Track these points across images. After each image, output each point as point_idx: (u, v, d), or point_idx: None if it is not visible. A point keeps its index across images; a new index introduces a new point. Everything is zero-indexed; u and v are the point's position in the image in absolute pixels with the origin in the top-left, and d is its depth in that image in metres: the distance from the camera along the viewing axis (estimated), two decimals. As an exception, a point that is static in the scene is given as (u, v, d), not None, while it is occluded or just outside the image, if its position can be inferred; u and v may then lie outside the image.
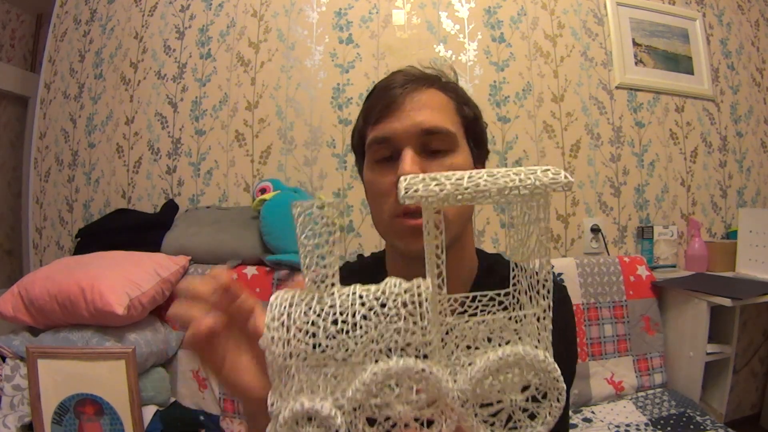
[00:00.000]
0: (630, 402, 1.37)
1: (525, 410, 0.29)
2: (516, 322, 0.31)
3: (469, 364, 0.29)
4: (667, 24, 1.88)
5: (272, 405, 0.29)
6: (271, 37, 1.74)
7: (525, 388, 0.29)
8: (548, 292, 0.29)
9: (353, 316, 0.28)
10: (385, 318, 0.28)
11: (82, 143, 1.84)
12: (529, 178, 0.26)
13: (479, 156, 0.60)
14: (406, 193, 0.26)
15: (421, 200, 0.26)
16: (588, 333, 1.45)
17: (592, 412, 1.33)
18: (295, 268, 1.37)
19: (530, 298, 0.30)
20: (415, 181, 0.27)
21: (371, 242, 1.63)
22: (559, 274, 1.48)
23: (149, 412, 1.22)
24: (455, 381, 0.29)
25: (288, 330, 0.28)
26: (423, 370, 0.27)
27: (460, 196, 0.25)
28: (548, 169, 0.27)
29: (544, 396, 0.29)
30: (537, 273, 0.29)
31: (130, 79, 1.81)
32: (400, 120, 0.54)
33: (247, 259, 1.46)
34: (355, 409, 0.28)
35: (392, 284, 0.30)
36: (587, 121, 1.77)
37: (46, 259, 1.83)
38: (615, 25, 1.80)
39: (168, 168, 1.76)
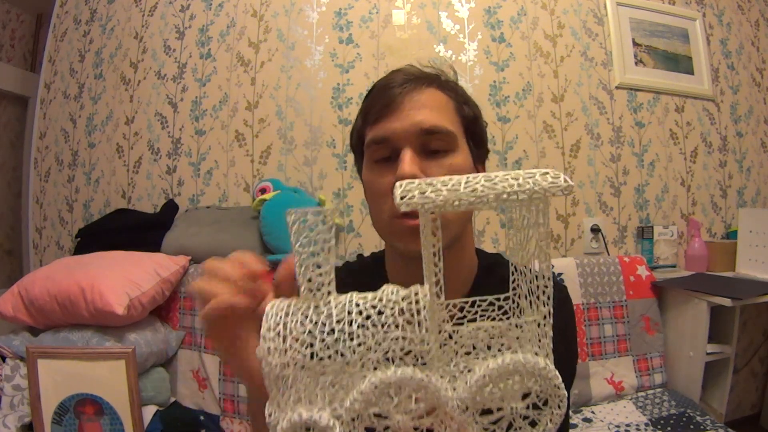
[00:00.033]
0: (630, 402, 1.37)
1: (525, 418, 0.29)
2: (516, 327, 0.30)
3: (469, 371, 0.29)
4: (667, 24, 1.88)
5: (270, 415, 0.28)
6: (271, 37, 1.74)
7: (526, 396, 0.29)
8: (548, 298, 0.28)
9: (350, 325, 0.28)
10: (382, 327, 0.28)
11: (82, 143, 1.84)
12: (528, 183, 0.25)
13: (479, 155, 0.60)
14: (402, 200, 0.25)
15: (418, 207, 0.25)
16: (588, 333, 1.45)
17: (592, 412, 1.33)
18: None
19: (530, 303, 0.29)
20: (411, 188, 0.26)
21: (371, 242, 1.63)
22: (559, 274, 1.48)
23: (149, 412, 1.22)
24: (455, 389, 0.28)
25: (284, 340, 0.28)
26: (422, 379, 0.27)
27: (457, 203, 0.25)
28: (547, 173, 0.26)
29: (545, 403, 0.29)
30: (537, 278, 0.28)
31: (130, 79, 1.81)
32: (399, 120, 0.53)
33: (247, 259, 1.46)
34: (353, 419, 0.27)
35: (389, 292, 0.29)
36: (587, 121, 1.77)
37: (46, 259, 1.83)
38: (615, 25, 1.80)
39: (168, 168, 1.76)
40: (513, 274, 0.31)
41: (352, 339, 0.27)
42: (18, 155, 2.24)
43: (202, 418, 1.35)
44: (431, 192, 0.25)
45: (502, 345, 0.30)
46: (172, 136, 1.76)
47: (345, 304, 0.29)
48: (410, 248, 0.51)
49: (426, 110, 0.53)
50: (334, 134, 1.68)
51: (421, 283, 0.29)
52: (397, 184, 0.27)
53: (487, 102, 1.71)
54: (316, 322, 0.28)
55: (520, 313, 0.31)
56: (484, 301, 0.32)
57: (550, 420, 0.29)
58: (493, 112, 1.71)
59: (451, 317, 0.31)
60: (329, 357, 0.27)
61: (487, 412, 0.29)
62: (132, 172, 1.78)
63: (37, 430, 1.14)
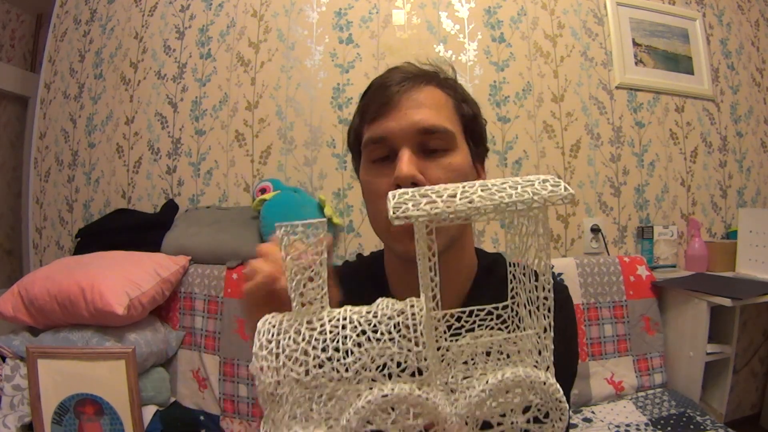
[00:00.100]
0: (630, 402, 1.37)
1: (526, 431, 0.28)
2: (514, 343, 0.30)
3: (467, 380, 0.28)
4: (667, 24, 1.87)
5: None
6: (271, 37, 1.74)
7: (526, 409, 0.28)
8: (549, 310, 0.28)
9: (344, 341, 0.27)
10: (378, 343, 0.27)
11: (82, 143, 1.84)
12: (526, 192, 0.24)
13: (478, 154, 0.59)
14: (396, 213, 0.24)
15: (412, 221, 0.24)
16: (588, 333, 1.45)
17: (592, 412, 1.33)
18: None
19: (530, 312, 0.29)
20: (405, 199, 0.25)
21: (371, 242, 1.63)
22: (559, 274, 1.48)
23: (149, 412, 1.22)
24: (454, 403, 0.28)
25: (277, 357, 0.27)
26: (419, 396, 0.26)
27: (453, 215, 0.24)
28: (547, 180, 0.25)
29: (546, 415, 0.28)
30: (536, 289, 0.28)
31: (130, 79, 1.81)
32: (396, 119, 0.52)
33: (247, 259, 1.45)
34: None
35: (384, 306, 0.29)
36: (587, 121, 1.77)
37: (46, 259, 1.83)
38: (615, 25, 1.80)
39: (168, 168, 1.76)
40: (511, 282, 0.31)
41: (347, 356, 0.27)
42: (18, 155, 2.24)
43: (202, 418, 1.35)
44: (426, 204, 0.24)
45: (501, 354, 0.29)
46: (172, 136, 1.76)
47: (339, 320, 0.28)
48: (408, 250, 0.50)
49: (424, 109, 0.53)
50: (334, 134, 1.68)
51: (419, 286, 0.29)
52: (390, 195, 0.26)
53: (487, 102, 1.71)
54: (309, 339, 0.27)
55: (519, 321, 0.30)
56: (482, 310, 0.31)
57: None
58: (493, 112, 1.71)
59: (449, 327, 0.30)
60: (324, 374, 0.27)
61: (487, 425, 0.28)
62: (132, 172, 1.78)
63: (37, 430, 1.14)
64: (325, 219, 0.29)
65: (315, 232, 0.29)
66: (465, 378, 0.29)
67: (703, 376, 1.37)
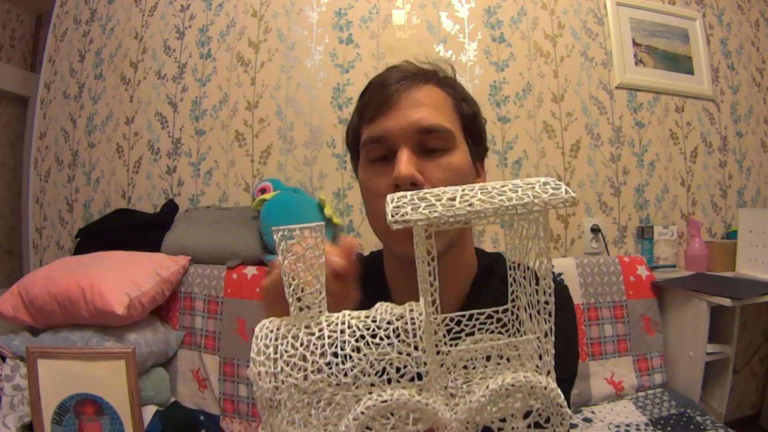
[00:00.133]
0: (630, 402, 1.37)
1: None
2: (514, 348, 0.29)
3: (467, 384, 0.28)
4: (667, 24, 1.87)
5: None
6: (271, 37, 1.74)
7: (527, 414, 0.28)
8: (550, 315, 0.27)
9: (343, 347, 0.27)
10: (377, 348, 0.27)
11: (82, 143, 1.84)
12: (527, 195, 0.24)
13: (478, 153, 0.59)
14: (394, 217, 0.24)
15: (411, 225, 0.24)
16: (588, 333, 1.45)
17: (592, 412, 1.33)
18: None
19: (530, 316, 0.28)
20: (404, 203, 0.25)
21: (371, 242, 1.63)
22: (559, 274, 1.48)
23: (149, 412, 1.22)
24: (455, 407, 0.27)
25: (275, 363, 0.27)
26: (419, 401, 0.26)
27: (452, 219, 0.23)
28: (548, 182, 0.25)
29: (547, 420, 0.28)
30: (537, 293, 0.27)
31: (130, 79, 1.81)
32: (395, 118, 0.52)
33: (247, 259, 1.46)
34: None
35: (383, 311, 0.28)
36: (587, 121, 1.77)
37: (46, 259, 1.83)
38: (615, 25, 1.80)
39: (168, 168, 1.76)
40: (511, 286, 0.30)
41: (345, 361, 0.26)
42: (18, 155, 2.24)
43: (202, 418, 1.35)
44: (425, 208, 0.24)
45: (501, 358, 0.29)
46: (172, 136, 1.76)
47: (338, 325, 0.28)
48: (407, 252, 0.50)
49: (423, 108, 0.52)
50: (334, 134, 1.68)
51: (418, 287, 0.29)
52: (388, 198, 0.26)
53: (487, 102, 1.71)
54: (307, 344, 0.27)
55: (520, 324, 0.30)
56: (482, 314, 0.31)
57: None
58: (493, 112, 1.71)
59: (448, 331, 0.30)
60: (322, 380, 0.27)
61: (487, 430, 0.28)
62: (132, 172, 1.78)
63: (37, 430, 1.14)
64: (323, 223, 0.29)
65: (313, 236, 0.28)
66: (465, 382, 0.29)
67: (703, 376, 1.37)
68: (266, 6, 1.75)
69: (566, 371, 0.54)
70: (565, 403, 0.28)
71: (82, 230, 1.67)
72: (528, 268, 0.28)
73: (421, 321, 0.27)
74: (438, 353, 0.28)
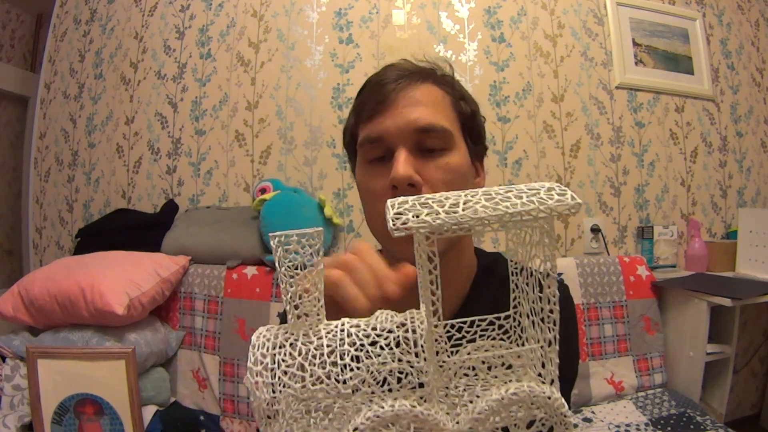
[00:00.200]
0: (630, 402, 1.37)
1: None
2: (518, 345, 0.29)
3: (467, 392, 0.27)
4: (667, 24, 1.87)
5: None
6: (271, 37, 1.74)
7: (530, 423, 0.28)
8: (554, 323, 0.27)
9: (342, 356, 0.26)
10: (377, 358, 0.26)
11: (82, 143, 1.84)
12: (532, 201, 0.23)
13: (477, 153, 0.58)
14: (395, 224, 0.23)
15: (413, 233, 0.23)
16: (588, 333, 1.45)
17: (592, 412, 1.33)
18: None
19: (533, 323, 0.28)
20: (405, 209, 0.24)
21: (371, 242, 1.63)
22: (559, 274, 1.48)
23: (149, 412, 1.23)
24: (456, 417, 0.27)
25: (273, 373, 0.26)
26: (420, 412, 0.25)
27: (455, 226, 0.23)
28: (552, 188, 0.24)
29: (551, 430, 0.27)
30: (541, 300, 0.26)
31: (130, 79, 1.81)
32: (392, 118, 0.51)
33: (247, 259, 1.46)
34: None
35: (383, 319, 0.28)
36: (587, 121, 1.77)
37: (46, 259, 1.83)
38: (615, 25, 1.80)
39: (168, 168, 1.76)
40: (514, 291, 0.30)
41: (345, 371, 0.26)
42: (18, 155, 2.24)
43: (202, 418, 1.35)
44: (427, 215, 0.23)
45: (503, 365, 0.29)
46: (172, 136, 1.76)
47: (337, 334, 0.27)
48: (406, 254, 0.49)
49: (421, 107, 0.51)
50: (334, 134, 1.68)
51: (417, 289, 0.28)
52: (389, 204, 0.25)
53: (487, 102, 1.71)
54: (306, 354, 0.27)
55: (522, 331, 0.29)
56: (484, 320, 0.31)
57: None
58: (493, 112, 1.71)
59: (449, 337, 0.29)
60: (321, 390, 0.26)
61: None
62: (132, 172, 1.78)
63: (37, 430, 1.14)
64: (321, 228, 0.28)
65: (311, 242, 0.28)
66: (466, 390, 0.28)
67: (703, 376, 1.37)
68: (266, 6, 1.75)
69: (566, 372, 0.54)
70: (569, 413, 0.27)
71: (82, 230, 1.67)
72: (531, 274, 0.27)
73: (422, 330, 0.27)
74: (440, 364, 0.28)
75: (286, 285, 0.28)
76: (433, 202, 0.24)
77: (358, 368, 0.26)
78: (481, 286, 0.59)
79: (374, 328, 0.27)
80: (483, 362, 0.29)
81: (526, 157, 1.72)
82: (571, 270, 1.49)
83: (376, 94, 0.53)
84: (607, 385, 1.41)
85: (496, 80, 1.73)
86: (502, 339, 0.30)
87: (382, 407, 0.25)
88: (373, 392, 0.26)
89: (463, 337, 0.30)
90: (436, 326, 0.27)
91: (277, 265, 0.27)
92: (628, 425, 1.23)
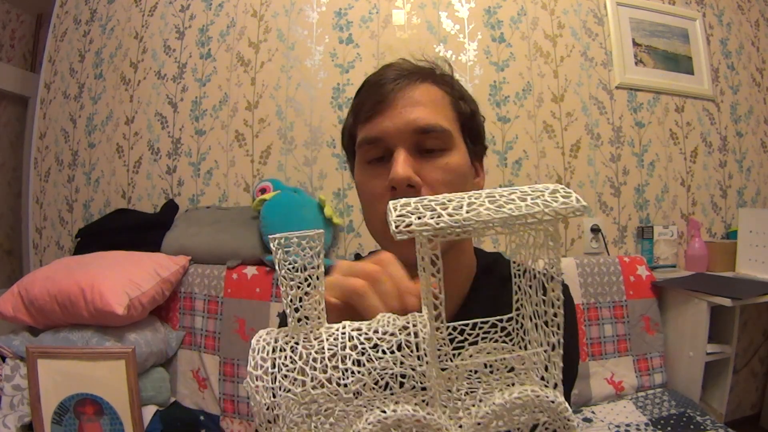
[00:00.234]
0: (630, 402, 1.37)
1: None
2: (520, 348, 0.29)
3: (473, 405, 0.27)
4: (667, 24, 1.87)
5: None
6: (271, 37, 1.74)
7: (533, 427, 0.27)
8: (558, 327, 0.26)
9: (344, 360, 0.26)
10: (379, 362, 0.26)
11: (82, 143, 1.84)
12: (537, 204, 0.22)
13: (476, 153, 0.58)
14: (398, 227, 0.23)
15: (416, 236, 0.23)
16: (588, 333, 1.45)
17: (592, 412, 1.33)
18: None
19: (536, 326, 0.27)
20: (407, 211, 0.23)
21: (371, 242, 1.63)
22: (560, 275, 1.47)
23: (149, 412, 1.23)
24: (458, 421, 0.27)
25: (274, 378, 0.26)
26: (423, 417, 0.25)
27: (459, 229, 0.22)
28: (557, 191, 0.24)
29: None
30: (545, 303, 0.26)
31: (130, 79, 1.81)
32: (391, 118, 0.51)
33: (247, 259, 1.46)
34: None
35: (385, 322, 0.27)
36: (587, 121, 1.77)
37: (46, 259, 1.83)
38: (615, 25, 1.80)
39: (168, 168, 1.76)
40: (516, 293, 0.29)
41: (346, 377, 0.25)
42: (18, 155, 2.24)
43: (202, 418, 1.35)
44: (430, 217, 0.22)
45: (505, 368, 0.28)
46: (172, 136, 1.76)
47: (338, 338, 0.27)
48: (406, 256, 0.48)
49: (420, 107, 0.51)
50: (334, 134, 1.68)
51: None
52: (391, 206, 0.24)
53: (487, 102, 1.71)
54: (307, 359, 0.26)
55: (524, 334, 0.29)
56: (486, 323, 0.30)
57: None
58: (493, 112, 1.71)
59: (451, 340, 0.29)
60: (322, 395, 0.26)
61: None
62: (132, 172, 1.78)
63: (37, 430, 1.14)
64: (322, 231, 0.28)
65: (311, 245, 0.27)
66: (468, 393, 0.28)
67: (703, 376, 1.37)
68: (266, 6, 1.75)
69: (567, 372, 0.53)
70: (572, 417, 0.27)
71: (82, 230, 1.67)
72: (534, 276, 0.27)
73: (425, 334, 0.26)
74: (443, 368, 0.28)
75: (287, 288, 0.27)
76: (436, 204, 0.23)
77: (360, 372, 0.25)
78: (481, 286, 0.59)
79: (376, 332, 0.27)
80: (485, 365, 0.29)
81: (526, 157, 1.72)
82: (571, 270, 1.49)
83: (374, 94, 0.52)
84: (607, 385, 1.41)
85: (496, 80, 1.73)
86: (504, 342, 0.30)
87: (385, 412, 0.25)
88: (375, 396, 0.25)
89: (465, 339, 0.30)
90: (438, 330, 0.26)
91: (277, 267, 0.27)
92: (628, 425, 1.23)
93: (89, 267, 1.28)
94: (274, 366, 0.26)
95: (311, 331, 0.28)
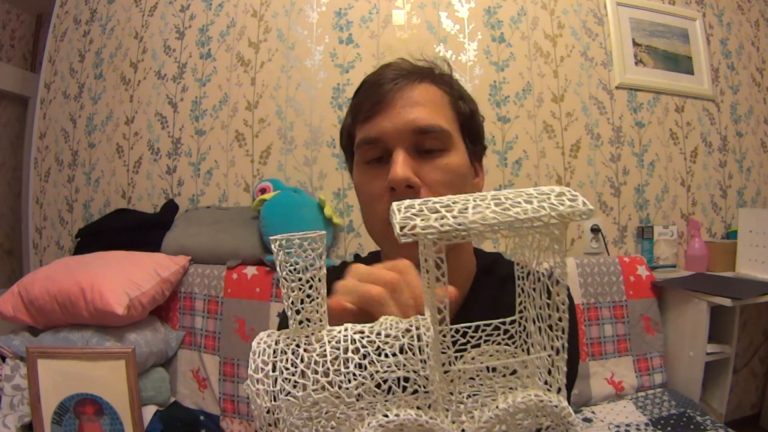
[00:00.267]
0: (630, 402, 1.37)
1: None
2: (523, 351, 0.29)
3: (475, 408, 0.27)
4: (667, 24, 1.87)
5: None
6: (271, 37, 1.74)
7: (536, 431, 0.27)
8: (562, 332, 0.26)
9: (346, 365, 0.25)
10: (381, 366, 0.25)
11: (82, 143, 1.84)
12: (543, 207, 0.22)
13: (476, 153, 0.57)
14: (402, 230, 0.22)
15: (421, 239, 0.22)
16: (588, 333, 1.45)
17: (592, 412, 1.33)
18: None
19: (540, 329, 0.27)
20: (412, 213, 0.23)
21: (371, 242, 1.63)
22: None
23: (149, 412, 1.22)
24: (461, 424, 0.26)
25: (274, 381, 0.25)
26: (426, 421, 0.25)
27: (464, 232, 0.22)
28: (563, 193, 0.23)
29: None
30: (549, 307, 0.26)
31: (130, 79, 1.81)
32: (390, 118, 0.50)
33: (247, 259, 1.46)
34: None
35: (387, 325, 0.27)
36: (587, 121, 1.77)
37: (46, 259, 1.83)
38: (615, 25, 1.80)
39: (168, 168, 1.76)
40: (520, 296, 0.29)
41: (349, 380, 0.25)
42: (18, 155, 2.24)
43: (202, 418, 1.35)
44: (435, 220, 0.22)
45: (508, 369, 0.28)
46: (172, 136, 1.76)
47: (340, 341, 0.26)
48: (406, 258, 0.48)
49: (419, 108, 0.50)
50: (334, 134, 1.68)
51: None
52: (395, 208, 0.24)
53: (487, 102, 1.71)
54: (308, 362, 0.26)
55: (527, 336, 0.29)
56: (489, 325, 0.30)
57: None
58: (493, 112, 1.71)
59: (453, 343, 0.29)
60: (324, 398, 0.25)
61: None
62: (132, 172, 1.78)
63: (37, 430, 1.14)
64: (324, 232, 0.27)
65: (313, 246, 0.27)
66: (470, 396, 0.28)
67: (703, 376, 1.37)
68: (266, 6, 1.75)
69: (567, 372, 0.54)
70: (576, 422, 0.27)
71: (82, 230, 1.67)
72: (539, 279, 0.27)
73: (428, 337, 0.26)
74: (446, 372, 0.27)
75: (288, 290, 0.27)
76: (441, 207, 0.23)
77: (362, 375, 0.25)
78: (481, 287, 0.58)
79: (379, 334, 0.26)
80: (487, 368, 0.28)
81: (526, 157, 1.72)
82: (571, 270, 1.49)
83: (373, 94, 0.52)
84: (607, 385, 1.41)
85: (496, 80, 1.73)
86: (506, 344, 0.30)
87: (387, 416, 0.25)
88: (377, 400, 0.25)
89: (468, 342, 0.30)
90: (443, 334, 0.26)
91: (278, 269, 0.27)
92: (628, 425, 1.23)
93: (89, 267, 1.28)
94: (275, 369, 0.26)
95: (313, 334, 0.27)
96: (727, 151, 1.92)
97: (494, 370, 0.28)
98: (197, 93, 1.76)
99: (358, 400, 0.25)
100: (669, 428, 1.21)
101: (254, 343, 0.27)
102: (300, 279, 0.27)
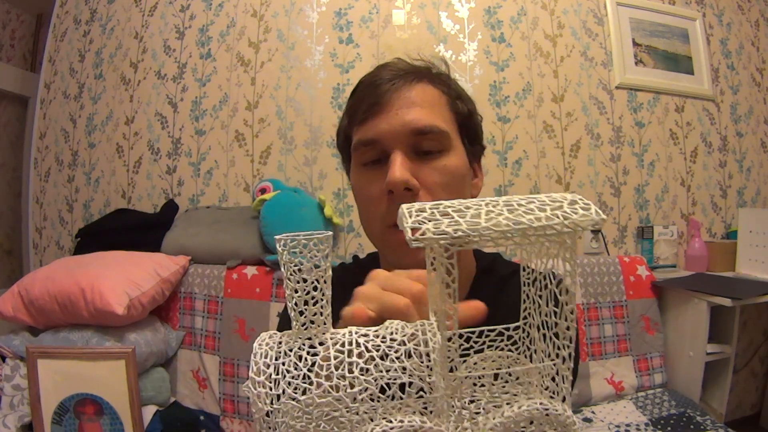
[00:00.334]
0: (630, 402, 1.37)
1: None
2: (526, 357, 0.28)
3: (477, 413, 0.27)
4: (667, 24, 1.88)
5: None
6: (271, 37, 1.74)
7: None
8: (570, 341, 0.25)
9: (350, 368, 0.25)
10: (386, 371, 0.25)
11: (82, 143, 1.84)
12: (556, 215, 0.22)
13: (474, 153, 0.57)
14: (413, 236, 0.22)
15: (432, 244, 0.22)
16: (588, 333, 1.45)
17: (592, 412, 1.33)
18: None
19: (544, 336, 0.27)
20: (423, 218, 0.22)
21: (371, 243, 1.63)
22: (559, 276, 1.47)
23: (149, 412, 1.22)
24: (464, 430, 0.26)
25: (276, 384, 0.25)
26: (431, 428, 0.25)
27: (477, 238, 0.21)
28: (575, 202, 0.23)
29: None
30: (556, 315, 0.25)
31: (130, 79, 1.81)
32: (387, 120, 0.49)
33: (247, 259, 1.46)
34: None
35: (393, 329, 0.27)
36: (587, 121, 1.77)
37: (46, 259, 1.83)
38: (615, 25, 1.80)
39: (168, 168, 1.76)
40: (524, 302, 0.28)
41: (353, 386, 0.25)
42: (18, 155, 2.24)
43: (202, 418, 1.35)
44: (447, 225, 0.21)
45: (510, 375, 0.28)
46: (172, 136, 1.76)
47: (344, 344, 0.26)
48: (403, 261, 0.46)
49: (416, 108, 0.49)
50: (334, 134, 1.67)
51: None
52: (405, 212, 0.23)
53: (487, 102, 1.71)
54: (311, 365, 0.25)
55: (531, 343, 0.29)
56: (493, 331, 0.30)
57: None
58: (493, 112, 1.71)
59: (457, 347, 0.29)
60: (327, 404, 0.25)
61: None
62: (132, 172, 1.78)
63: (37, 430, 1.14)
64: (330, 233, 0.27)
65: (318, 247, 0.26)
66: (472, 402, 0.28)
67: (703, 376, 1.37)
68: (266, 6, 1.75)
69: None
70: (579, 429, 0.27)
71: (82, 230, 1.67)
72: (546, 287, 0.27)
73: (434, 343, 0.26)
74: (453, 379, 0.27)
75: (292, 291, 0.26)
76: (453, 211, 0.23)
77: (366, 380, 0.25)
78: (481, 287, 0.58)
79: (384, 339, 0.26)
80: (490, 374, 0.28)
81: (526, 157, 1.72)
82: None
83: (369, 95, 0.51)
84: (607, 385, 1.41)
85: (496, 80, 1.73)
86: (510, 350, 0.29)
87: (391, 422, 0.24)
88: (380, 405, 0.25)
89: (471, 347, 0.30)
90: (450, 340, 0.26)
91: (282, 269, 0.26)
92: (628, 425, 1.23)
93: (89, 267, 1.28)
94: (277, 372, 0.25)
95: (317, 337, 0.27)
96: (727, 151, 1.92)
97: (498, 376, 0.28)
98: (197, 93, 1.76)
99: (361, 405, 0.25)
100: (669, 428, 1.21)
101: (256, 345, 0.27)
102: (305, 280, 0.26)
